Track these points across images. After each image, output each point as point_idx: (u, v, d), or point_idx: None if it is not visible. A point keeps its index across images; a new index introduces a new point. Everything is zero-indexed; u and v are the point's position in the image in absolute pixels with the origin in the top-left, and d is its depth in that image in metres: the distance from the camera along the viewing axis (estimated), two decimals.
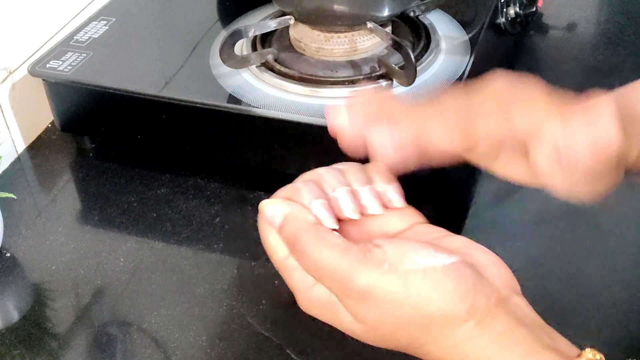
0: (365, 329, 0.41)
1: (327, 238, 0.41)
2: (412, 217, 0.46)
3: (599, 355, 0.38)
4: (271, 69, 0.74)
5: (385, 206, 0.45)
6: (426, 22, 0.79)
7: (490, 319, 0.39)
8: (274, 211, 0.43)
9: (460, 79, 0.71)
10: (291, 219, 0.42)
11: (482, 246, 0.43)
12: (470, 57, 0.74)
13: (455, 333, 0.38)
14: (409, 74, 0.68)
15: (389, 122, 0.44)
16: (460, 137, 0.43)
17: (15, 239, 0.70)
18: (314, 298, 0.42)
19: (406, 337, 0.40)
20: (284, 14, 0.77)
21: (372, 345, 0.58)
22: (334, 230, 0.42)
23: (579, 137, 0.41)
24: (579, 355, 0.38)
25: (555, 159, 0.41)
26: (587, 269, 0.64)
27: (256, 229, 0.69)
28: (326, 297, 0.41)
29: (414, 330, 0.39)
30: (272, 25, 0.76)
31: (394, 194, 0.45)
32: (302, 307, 0.43)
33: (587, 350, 0.38)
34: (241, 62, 0.74)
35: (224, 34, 0.79)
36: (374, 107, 0.46)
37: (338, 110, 0.46)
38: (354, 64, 0.73)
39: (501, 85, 0.44)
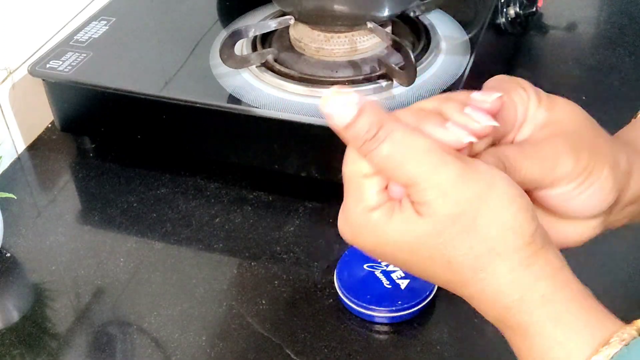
0: (428, 227, 0.37)
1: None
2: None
3: None
4: (271, 69, 0.74)
5: None
6: (426, 22, 0.79)
7: (545, 253, 0.38)
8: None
9: (460, 79, 0.71)
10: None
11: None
12: (470, 57, 0.74)
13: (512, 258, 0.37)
14: (409, 74, 0.68)
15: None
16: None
17: (15, 239, 0.70)
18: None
19: (466, 248, 0.37)
20: (284, 14, 0.77)
21: (373, 344, 0.59)
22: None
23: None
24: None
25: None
26: (587, 270, 0.63)
27: (256, 229, 0.69)
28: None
29: (476, 242, 0.37)
30: (272, 25, 0.76)
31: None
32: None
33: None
34: (241, 62, 0.74)
35: (224, 34, 0.79)
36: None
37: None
38: (354, 64, 0.73)
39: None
